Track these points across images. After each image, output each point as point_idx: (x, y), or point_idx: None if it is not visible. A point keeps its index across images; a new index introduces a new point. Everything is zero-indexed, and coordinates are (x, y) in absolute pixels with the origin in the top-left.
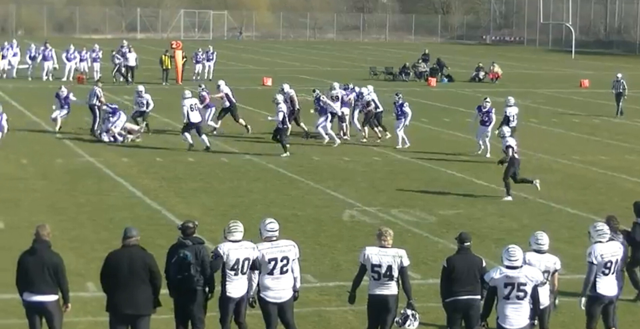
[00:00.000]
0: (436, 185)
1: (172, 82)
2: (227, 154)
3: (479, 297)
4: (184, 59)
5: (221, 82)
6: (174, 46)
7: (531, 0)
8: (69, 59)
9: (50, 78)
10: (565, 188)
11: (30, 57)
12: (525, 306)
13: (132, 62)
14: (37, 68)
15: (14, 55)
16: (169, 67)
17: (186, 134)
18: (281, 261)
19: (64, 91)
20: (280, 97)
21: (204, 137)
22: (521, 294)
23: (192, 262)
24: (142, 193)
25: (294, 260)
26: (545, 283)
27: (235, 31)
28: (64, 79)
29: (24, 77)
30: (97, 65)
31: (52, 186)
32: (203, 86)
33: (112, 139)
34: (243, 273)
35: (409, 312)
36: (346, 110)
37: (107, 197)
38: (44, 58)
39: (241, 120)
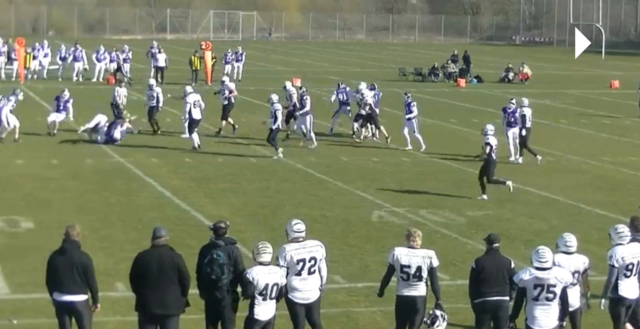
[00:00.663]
0: (465, 186)
1: (201, 82)
2: (256, 154)
3: (507, 298)
4: (214, 60)
5: (225, 79)
6: (203, 47)
7: (561, 0)
8: (99, 60)
9: (81, 79)
10: (595, 190)
11: (60, 58)
12: (555, 307)
13: (161, 63)
14: (68, 69)
15: (45, 55)
16: (198, 67)
17: (193, 135)
18: (309, 261)
19: (65, 95)
20: (275, 97)
21: (194, 136)
22: (550, 295)
23: (224, 262)
24: (171, 194)
25: (321, 260)
26: (576, 284)
27: (265, 32)
28: (94, 80)
29: (54, 78)
30: (126, 66)
31: (82, 186)
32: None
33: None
34: (271, 299)
35: (438, 313)
36: (377, 111)
37: (137, 197)
38: (75, 59)
39: (230, 120)
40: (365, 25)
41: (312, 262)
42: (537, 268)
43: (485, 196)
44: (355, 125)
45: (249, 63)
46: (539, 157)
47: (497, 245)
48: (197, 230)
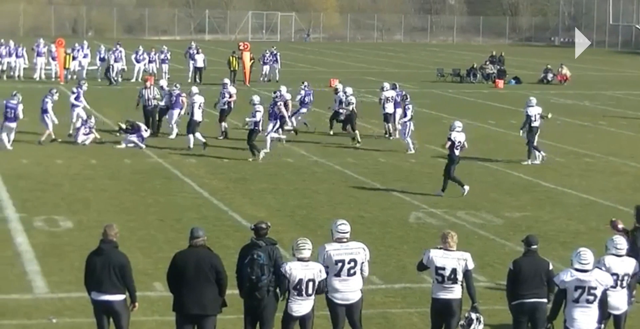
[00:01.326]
0: (502, 187)
1: (239, 83)
2: (293, 155)
3: (545, 300)
4: (252, 61)
5: (227, 81)
6: (241, 48)
7: (600, 1)
8: (137, 60)
9: (120, 80)
10: (634, 191)
11: (100, 59)
12: (594, 309)
13: (200, 64)
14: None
15: (85, 56)
16: (237, 68)
17: (197, 134)
18: (348, 263)
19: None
20: (256, 98)
21: (190, 136)
22: (591, 297)
23: (265, 263)
24: (209, 194)
25: (363, 262)
26: (624, 287)
27: (303, 33)
28: (133, 80)
29: (93, 78)
30: (165, 67)
31: (121, 186)
32: (178, 86)
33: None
34: (308, 295)
35: (474, 315)
36: (399, 111)
37: (175, 197)
38: (114, 60)
39: (224, 123)
40: (403, 26)
41: (352, 264)
42: (579, 270)
43: (467, 187)
44: (388, 125)
45: (287, 64)
46: (543, 154)
47: (535, 246)
48: (235, 230)
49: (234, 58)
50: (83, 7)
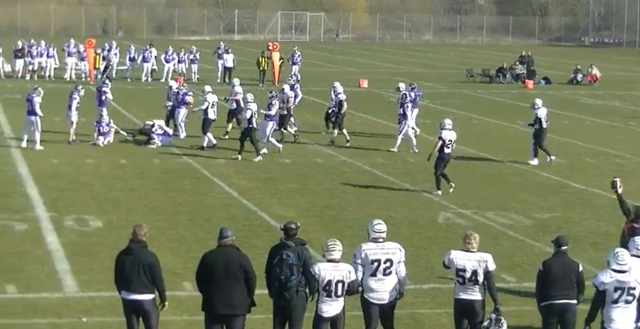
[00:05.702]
0: (532, 188)
1: (268, 83)
2: (322, 155)
3: (575, 301)
4: (281, 61)
5: (236, 82)
6: (270, 48)
7: (631, 1)
8: (167, 61)
9: (149, 80)
10: None
11: (130, 59)
12: (633, 309)
13: (229, 63)
14: (136, 70)
15: (114, 56)
16: (266, 68)
17: (209, 134)
18: (384, 263)
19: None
20: (250, 96)
21: (210, 135)
22: (630, 298)
23: (294, 263)
24: (239, 194)
25: (399, 262)
26: None
27: (332, 33)
28: (162, 80)
29: (123, 78)
30: (194, 67)
31: (150, 186)
32: (186, 85)
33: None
34: (337, 296)
35: (494, 316)
36: (416, 111)
37: (204, 197)
38: (144, 60)
39: (230, 125)
40: (432, 26)
41: (388, 264)
42: (617, 271)
43: (440, 192)
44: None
45: (315, 64)
46: (553, 157)
47: (565, 247)
48: (264, 230)
49: (263, 58)
50: (113, 7)
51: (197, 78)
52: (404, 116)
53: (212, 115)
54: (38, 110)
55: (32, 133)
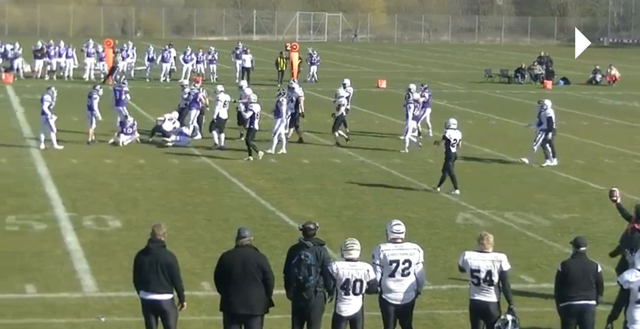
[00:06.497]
0: (550, 189)
1: (286, 83)
2: (340, 156)
3: (594, 302)
4: (299, 61)
5: (243, 84)
6: (288, 48)
7: None
8: (185, 61)
9: (168, 80)
10: None
11: (148, 59)
12: None
13: (248, 64)
14: (155, 70)
15: (131, 56)
16: (284, 68)
17: (214, 132)
18: (403, 263)
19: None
20: (254, 97)
21: (222, 135)
22: None
23: (312, 264)
24: (257, 194)
25: (417, 263)
26: None
27: (350, 33)
28: (181, 80)
29: (142, 79)
30: (213, 67)
31: (169, 186)
32: (197, 84)
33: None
34: (355, 294)
35: (509, 318)
36: (428, 111)
37: (222, 197)
38: (163, 60)
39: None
40: (450, 26)
41: (407, 264)
42: None
43: (439, 189)
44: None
45: (334, 65)
46: (548, 162)
47: (583, 248)
48: (282, 230)
49: (282, 59)
50: (132, 7)
51: (216, 78)
52: (406, 116)
53: (223, 114)
54: (46, 110)
55: (48, 133)
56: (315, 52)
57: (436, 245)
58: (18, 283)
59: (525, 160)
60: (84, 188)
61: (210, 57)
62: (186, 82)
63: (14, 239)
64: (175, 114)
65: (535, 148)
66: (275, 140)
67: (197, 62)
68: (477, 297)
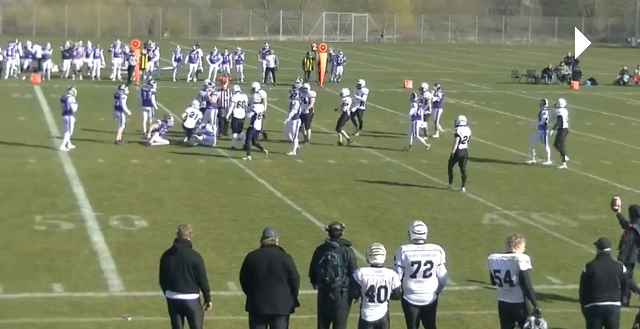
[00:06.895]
0: (577, 190)
1: (313, 84)
2: (367, 156)
3: (619, 303)
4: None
5: (256, 85)
6: (314, 48)
7: None
8: (212, 61)
9: (195, 80)
10: None
11: (175, 59)
12: None
13: (271, 64)
14: (182, 70)
15: (156, 56)
16: (311, 69)
17: (235, 134)
18: (424, 265)
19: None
20: (257, 97)
21: (235, 135)
22: None
23: (338, 264)
24: (283, 194)
25: (439, 264)
26: None
27: (377, 33)
28: (207, 81)
29: (168, 79)
30: (240, 67)
31: (195, 186)
32: (212, 84)
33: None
34: (380, 301)
35: (532, 319)
36: (440, 111)
37: (249, 197)
38: (190, 60)
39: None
40: (477, 27)
41: (428, 265)
42: None
43: (452, 185)
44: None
45: (361, 65)
46: (567, 159)
47: (608, 249)
48: (308, 230)
49: (308, 59)
50: (159, 8)
51: (242, 79)
52: (410, 116)
53: (239, 114)
54: (74, 109)
55: (64, 132)
56: (341, 52)
57: (462, 246)
58: (46, 282)
59: (530, 159)
60: (111, 188)
61: (237, 57)
62: (208, 81)
63: (41, 238)
64: (194, 109)
65: (545, 148)
66: (296, 141)
67: (224, 62)
68: (502, 298)
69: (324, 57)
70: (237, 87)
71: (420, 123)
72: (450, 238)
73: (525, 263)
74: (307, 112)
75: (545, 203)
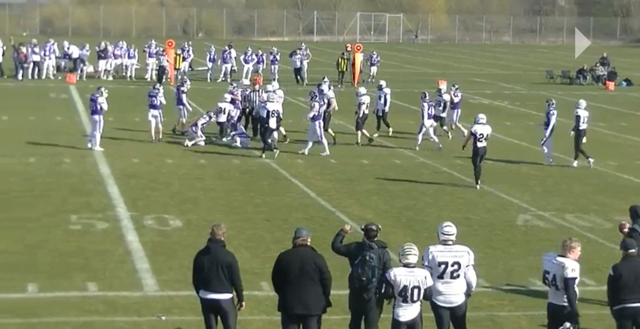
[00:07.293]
0: (611, 191)
1: (347, 84)
2: (400, 156)
3: None
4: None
5: (274, 84)
6: (349, 48)
7: None
8: (246, 61)
9: (229, 80)
10: None
11: (210, 59)
12: None
13: (297, 64)
14: (216, 70)
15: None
16: (345, 70)
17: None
18: (452, 265)
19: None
20: (272, 95)
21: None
22: None
23: (376, 265)
24: (316, 194)
25: (467, 266)
26: None
27: (411, 34)
28: (241, 81)
29: (202, 79)
30: (275, 67)
31: (229, 186)
32: (235, 84)
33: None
34: (413, 301)
35: (567, 325)
36: (458, 111)
37: (282, 198)
38: (223, 61)
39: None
40: (512, 27)
41: (456, 266)
42: None
43: (478, 186)
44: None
45: (395, 66)
46: (591, 160)
47: (633, 250)
48: None
49: (343, 59)
50: (193, 8)
51: (277, 79)
52: (422, 116)
53: (272, 124)
54: (105, 108)
55: (94, 132)
56: (374, 52)
57: (496, 247)
58: (80, 281)
59: (572, 165)
60: (146, 188)
61: (272, 57)
62: (236, 83)
63: (76, 238)
64: (224, 104)
65: (545, 148)
66: (325, 142)
67: (258, 62)
68: (550, 300)
69: (359, 57)
70: (271, 86)
71: (430, 123)
72: (484, 238)
73: (571, 271)
74: (325, 113)
75: (579, 204)
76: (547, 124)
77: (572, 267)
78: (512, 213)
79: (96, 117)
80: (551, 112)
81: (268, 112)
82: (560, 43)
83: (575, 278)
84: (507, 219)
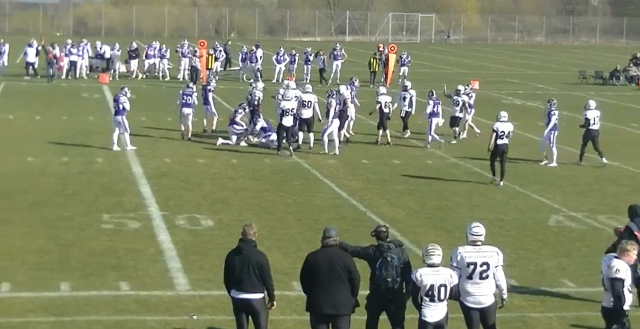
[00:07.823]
0: None
1: (378, 84)
2: (432, 157)
3: None
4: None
5: (291, 83)
6: (381, 49)
7: None
8: (278, 61)
9: (259, 79)
10: None
11: (242, 59)
12: None
13: (320, 65)
14: (248, 70)
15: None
16: (377, 70)
17: (299, 132)
18: (480, 266)
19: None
20: (288, 94)
21: (310, 135)
22: None
23: (397, 264)
24: (348, 194)
25: (496, 266)
26: None
27: (443, 34)
28: (274, 81)
29: (235, 79)
30: (308, 68)
31: (261, 186)
32: (253, 84)
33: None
34: (440, 300)
35: (614, 327)
36: (472, 111)
37: (314, 198)
38: (250, 61)
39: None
40: (544, 27)
41: (484, 267)
42: None
43: (501, 184)
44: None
45: (427, 66)
46: (605, 160)
47: None
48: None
49: (375, 59)
50: (226, 8)
51: (309, 79)
52: (427, 114)
53: (306, 114)
54: (127, 107)
55: (121, 133)
56: (404, 52)
57: (528, 248)
58: (113, 281)
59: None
60: (177, 188)
61: (305, 57)
62: (261, 84)
63: (109, 237)
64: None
65: (551, 148)
66: (326, 139)
67: (290, 62)
68: (603, 303)
69: (392, 57)
70: (308, 87)
71: (437, 121)
72: (516, 239)
73: (615, 272)
74: (342, 113)
75: (611, 205)
76: (548, 124)
77: (617, 267)
78: (544, 214)
79: (118, 118)
80: (552, 112)
81: (282, 111)
82: (593, 43)
83: (620, 279)
84: (539, 220)
